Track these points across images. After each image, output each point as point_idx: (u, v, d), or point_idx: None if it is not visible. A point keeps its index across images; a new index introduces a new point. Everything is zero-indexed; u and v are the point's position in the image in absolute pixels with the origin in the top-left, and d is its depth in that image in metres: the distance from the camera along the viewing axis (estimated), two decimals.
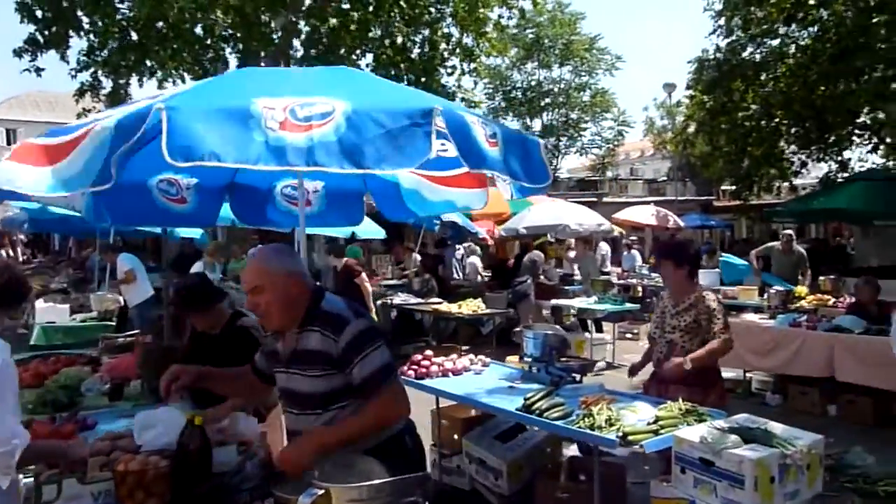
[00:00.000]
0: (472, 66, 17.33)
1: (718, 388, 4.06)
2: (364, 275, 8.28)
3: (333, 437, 2.28)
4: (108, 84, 14.75)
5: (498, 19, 17.02)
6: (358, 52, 16.13)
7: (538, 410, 3.59)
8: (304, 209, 3.27)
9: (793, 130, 17.77)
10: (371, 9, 15.22)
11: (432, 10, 16.58)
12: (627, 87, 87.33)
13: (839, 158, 19.92)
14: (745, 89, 17.21)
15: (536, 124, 29.56)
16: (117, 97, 14.45)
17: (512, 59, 29.05)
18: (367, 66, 16.66)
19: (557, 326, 4.87)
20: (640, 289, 13.44)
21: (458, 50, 16.94)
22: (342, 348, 2.32)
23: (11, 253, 21.81)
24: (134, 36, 14.12)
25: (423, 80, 16.11)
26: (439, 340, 9.31)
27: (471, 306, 8.79)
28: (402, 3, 15.02)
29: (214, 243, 9.35)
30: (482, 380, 4.60)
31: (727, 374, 7.47)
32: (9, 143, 41.60)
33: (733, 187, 22.33)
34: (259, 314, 2.47)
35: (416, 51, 16.04)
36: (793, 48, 16.85)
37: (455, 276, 12.32)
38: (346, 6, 15.09)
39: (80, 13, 13.97)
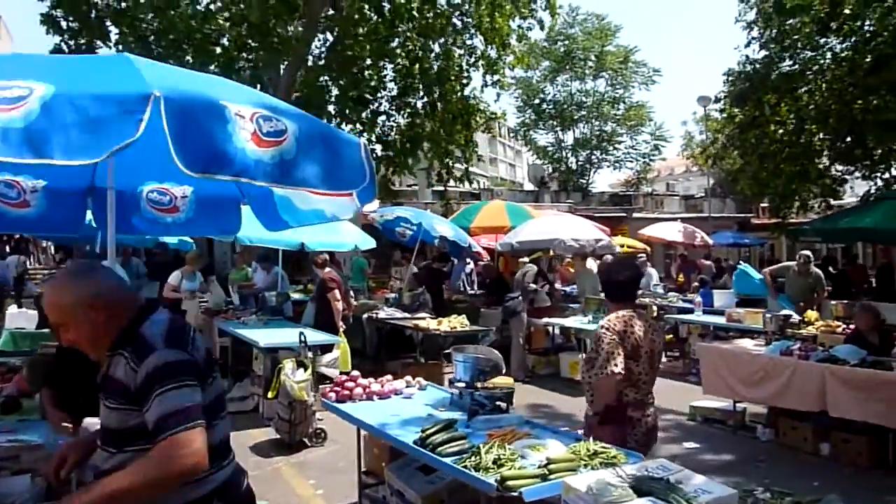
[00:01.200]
0: (496, 77, 17.12)
1: (629, 424, 3.52)
2: (337, 291, 8.02)
3: (89, 497, 1.86)
4: None
5: (519, 29, 16.74)
6: (378, 61, 16.05)
7: (431, 445, 3.24)
8: (113, 214, 3.01)
9: (831, 145, 16.91)
10: (387, 19, 15.12)
11: (457, 22, 16.46)
12: (667, 102, 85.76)
13: (885, 176, 18.98)
14: (776, 102, 16.46)
15: (568, 137, 29.09)
16: None
17: (544, 71, 28.69)
18: (386, 76, 16.65)
19: (493, 350, 4.49)
20: (654, 308, 12.87)
21: (480, 62, 16.76)
22: (140, 381, 1.95)
23: (41, 256, 22.43)
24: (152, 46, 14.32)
25: (436, 90, 15.95)
26: (427, 357, 8.98)
27: (452, 323, 8.44)
28: (415, 13, 14.84)
29: (194, 252, 9.25)
30: (407, 405, 4.28)
31: (716, 404, 6.99)
32: None
33: (773, 204, 21.50)
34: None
35: (433, 62, 15.81)
36: (828, 59, 16.09)
37: (463, 290, 12.01)
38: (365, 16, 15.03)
39: (107, 23, 14.23)
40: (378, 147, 16.91)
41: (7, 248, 17.26)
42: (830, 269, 15.28)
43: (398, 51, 15.85)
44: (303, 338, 6.19)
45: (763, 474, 5.52)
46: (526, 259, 10.61)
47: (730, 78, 17.18)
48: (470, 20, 16.33)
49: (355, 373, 4.58)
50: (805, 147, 16.66)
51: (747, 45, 17.24)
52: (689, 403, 7.27)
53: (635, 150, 30.64)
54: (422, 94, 16.50)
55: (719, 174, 23.27)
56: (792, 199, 18.34)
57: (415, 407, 4.21)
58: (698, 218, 26.71)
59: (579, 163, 29.44)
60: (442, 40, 16.35)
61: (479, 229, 11.92)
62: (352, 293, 11.59)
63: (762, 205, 25.91)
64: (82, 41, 14.21)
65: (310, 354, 6.19)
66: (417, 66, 15.54)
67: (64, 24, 14.20)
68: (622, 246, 19.25)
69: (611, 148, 30.07)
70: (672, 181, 48.09)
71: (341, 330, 7.90)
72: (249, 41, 14.09)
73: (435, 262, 11.15)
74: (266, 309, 8.77)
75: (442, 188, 18.29)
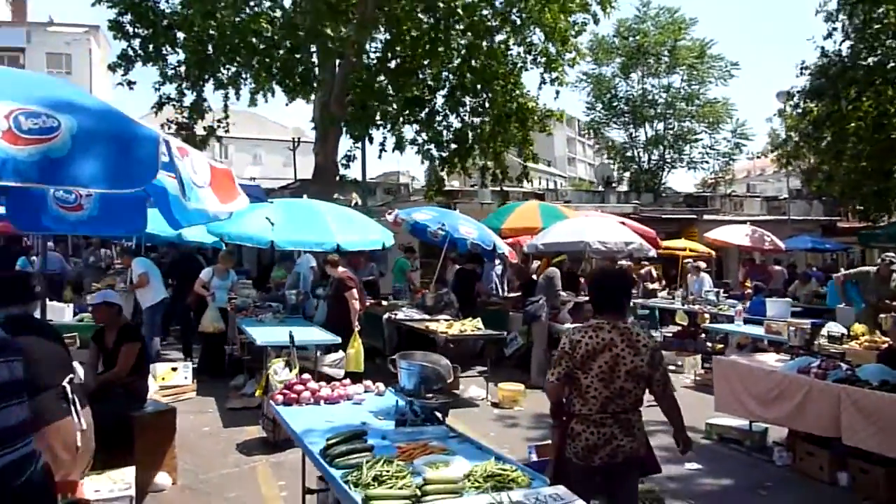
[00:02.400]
0: (554, 75, 16.70)
1: (570, 437, 3.35)
2: (355, 290, 7.99)
3: None
4: (190, 96, 15.60)
5: (575, 25, 16.25)
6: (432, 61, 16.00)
7: (330, 456, 3.11)
8: None
9: None
10: (438, 19, 15.03)
11: (515, 18, 16.18)
12: (751, 99, 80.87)
13: None
14: (856, 97, 15.23)
15: (641, 135, 28.02)
16: (198, 107, 15.25)
17: (615, 67, 27.80)
18: (441, 74, 16.54)
19: (442, 358, 4.28)
20: (706, 316, 12.15)
21: (539, 59, 16.40)
22: None
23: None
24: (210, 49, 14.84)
25: (487, 88, 15.72)
26: (451, 359, 8.80)
27: (465, 326, 8.23)
28: (467, 10, 14.67)
29: (225, 251, 9.47)
30: (350, 411, 4.15)
31: (734, 422, 6.47)
32: None
33: (861, 207, 19.97)
34: None
35: (484, 60, 15.57)
36: None
37: (496, 292, 11.75)
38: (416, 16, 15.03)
39: (176, 31, 14.84)
40: (433, 147, 16.88)
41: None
42: None
43: (451, 49, 15.72)
44: (291, 336, 6.17)
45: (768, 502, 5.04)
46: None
47: (804, 71, 16.02)
48: (529, 16, 16.02)
49: (306, 376, 4.51)
50: (888, 144, 15.32)
51: (828, 37, 16.06)
52: (706, 420, 6.77)
53: (713, 149, 29.20)
54: (474, 93, 16.31)
55: (799, 175, 21.78)
56: (881, 201, 16.95)
57: (356, 414, 4.07)
58: (776, 221, 25.24)
59: (652, 162, 28.34)
60: (497, 38, 16.14)
61: (510, 230, 11.61)
62: (390, 295, 11.62)
63: (854, 208, 24.13)
64: (151, 46, 14.88)
65: (298, 353, 6.16)
66: (467, 64, 15.37)
67: (131, 30, 14.92)
68: (685, 249, 18.42)
69: (687, 147, 28.76)
70: (754, 182, 45.57)
71: (357, 330, 7.84)
72: (306, 43, 14.30)
73: (468, 262, 10.88)
74: (288, 307, 8.86)
75: (498, 188, 17.99)
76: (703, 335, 11.69)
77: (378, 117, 16.65)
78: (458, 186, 25.36)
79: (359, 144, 16.55)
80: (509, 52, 16.20)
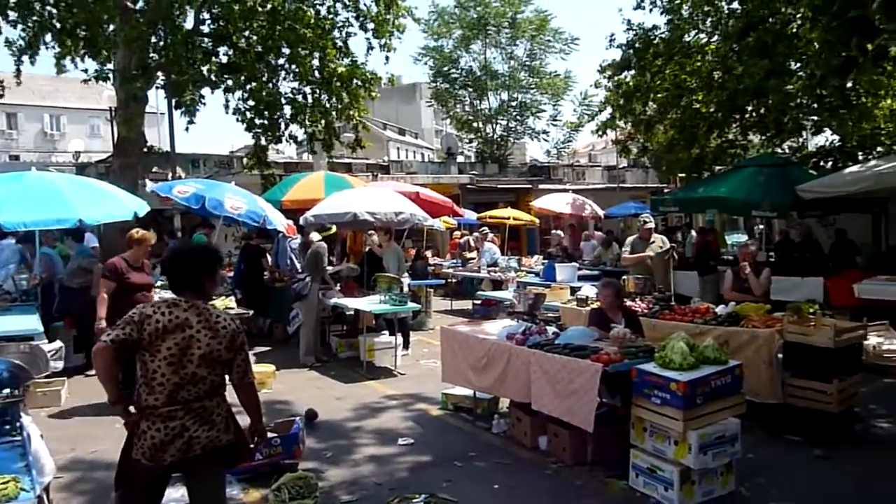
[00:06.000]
0: (383, 41, 16.26)
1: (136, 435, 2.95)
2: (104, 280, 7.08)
3: None
4: None
5: None
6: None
7: None
8: None
9: (716, 113, 16.37)
10: None
11: None
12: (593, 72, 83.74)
13: (795, 145, 18.67)
14: (659, 69, 15.85)
15: (485, 107, 28.14)
16: None
17: (456, 40, 27.66)
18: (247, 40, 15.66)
19: (28, 355, 3.78)
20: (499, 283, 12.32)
21: (367, 21, 15.95)
22: None
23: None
24: None
25: (301, 51, 15.10)
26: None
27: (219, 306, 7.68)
28: None
29: None
30: None
31: (455, 391, 6.41)
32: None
33: (682, 175, 21.08)
34: None
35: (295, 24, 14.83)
36: (708, 26, 15.54)
37: (292, 268, 11.22)
38: None
39: None
40: (255, 116, 16.07)
41: None
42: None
43: (258, 12, 14.87)
44: None
45: (457, 474, 4.93)
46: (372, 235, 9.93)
47: (612, 43, 16.49)
48: None
49: None
50: (692, 114, 16.10)
51: (637, 8, 16.55)
52: (442, 391, 6.68)
53: (558, 120, 29.92)
54: (287, 57, 15.59)
55: (614, 147, 22.71)
56: (694, 167, 17.87)
57: None
58: (609, 189, 26.37)
59: (497, 133, 28.61)
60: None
61: (291, 202, 11.10)
62: None
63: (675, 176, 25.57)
64: None
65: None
66: (275, 27, 14.61)
67: None
68: (509, 218, 18.78)
69: (531, 118, 29.30)
70: (596, 153, 47.64)
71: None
72: None
73: (257, 237, 10.28)
74: (17, 293, 7.90)
75: (329, 158, 17.35)
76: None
77: (192, 86, 15.75)
78: (294, 158, 24.51)
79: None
80: (321, 16, 15.55)
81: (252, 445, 3.29)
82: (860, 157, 15.43)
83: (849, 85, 13.39)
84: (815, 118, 15.71)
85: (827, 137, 17.67)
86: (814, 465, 4.99)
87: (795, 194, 10.06)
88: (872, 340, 7.61)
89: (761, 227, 17.88)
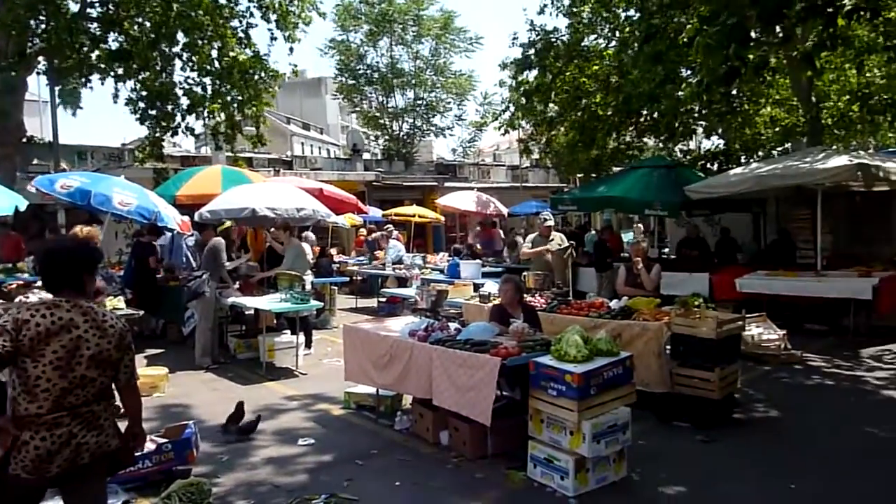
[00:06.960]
0: (287, 32, 15.88)
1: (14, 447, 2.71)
2: None
3: None
4: None
5: None
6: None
7: None
8: None
9: (614, 116, 17.03)
10: None
11: None
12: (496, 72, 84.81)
13: (686, 148, 19.68)
14: (559, 71, 16.32)
15: (391, 104, 28.04)
16: None
17: (363, 35, 27.42)
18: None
19: None
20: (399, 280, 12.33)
21: (271, 13, 15.52)
22: None
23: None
24: None
25: (196, 39, 14.51)
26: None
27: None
28: None
29: None
30: None
31: (369, 389, 6.34)
32: None
33: (581, 175, 21.81)
34: None
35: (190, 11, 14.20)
36: (607, 31, 16.18)
37: (187, 266, 10.74)
38: None
39: None
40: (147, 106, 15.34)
41: None
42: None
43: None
44: None
45: (359, 473, 4.87)
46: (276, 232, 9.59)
47: (514, 42, 16.86)
48: None
49: None
50: (591, 116, 16.68)
51: (540, 12, 16.97)
52: (344, 390, 6.58)
53: (462, 119, 30.29)
54: (181, 46, 14.94)
55: (517, 147, 23.30)
56: (594, 167, 18.51)
57: None
58: (513, 188, 26.94)
59: (404, 131, 28.61)
60: None
61: (186, 197, 10.65)
62: None
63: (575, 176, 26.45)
64: None
65: None
66: (167, 15, 13.94)
67: None
68: (415, 216, 18.81)
69: (437, 117, 29.48)
70: (501, 153, 48.73)
71: None
72: None
73: (148, 234, 9.75)
74: None
75: (232, 153, 16.72)
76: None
77: (78, 73, 14.87)
78: (192, 152, 23.53)
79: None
80: (219, 3, 14.99)
81: (132, 447, 3.12)
82: (742, 160, 16.56)
83: (734, 92, 14.34)
84: (704, 123, 16.69)
85: (713, 141, 18.82)
86: (697, 449, 5.29)
87: (685, 194, 10.65)
88: (752, 331, 8.15)
89: (652, 227, 18.80)
